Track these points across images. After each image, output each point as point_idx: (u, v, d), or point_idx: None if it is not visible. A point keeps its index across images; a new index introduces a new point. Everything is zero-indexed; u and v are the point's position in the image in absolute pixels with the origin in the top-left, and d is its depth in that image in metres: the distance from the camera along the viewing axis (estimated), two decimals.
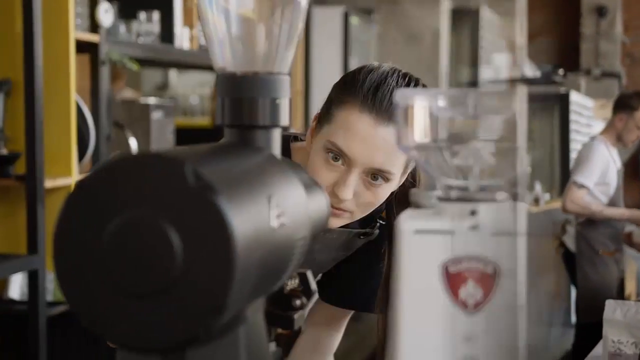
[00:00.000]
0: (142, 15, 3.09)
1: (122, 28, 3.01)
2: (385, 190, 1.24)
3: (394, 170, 1.22)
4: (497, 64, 6.73)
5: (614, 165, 4.31)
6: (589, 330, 4.27)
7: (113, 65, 2.82)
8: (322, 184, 1.20)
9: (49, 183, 2.47)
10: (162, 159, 0.64)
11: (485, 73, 7.15)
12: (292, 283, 0.86)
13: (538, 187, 6.35)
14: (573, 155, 7.09)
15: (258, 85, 0.83)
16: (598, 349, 2.12)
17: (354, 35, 5.29)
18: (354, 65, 5.85)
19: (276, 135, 0.84)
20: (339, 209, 1.23)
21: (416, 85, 1.26)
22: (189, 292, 0.61)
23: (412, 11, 5.37)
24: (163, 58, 3.22)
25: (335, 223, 1.26)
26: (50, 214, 2.43)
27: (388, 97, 1.21)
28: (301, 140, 1.40)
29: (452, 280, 0.70)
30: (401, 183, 1.30)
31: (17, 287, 2.63)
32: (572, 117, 6.93)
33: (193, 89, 5.63)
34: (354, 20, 5.34)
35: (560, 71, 6.33)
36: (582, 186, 4.20)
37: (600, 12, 9.29)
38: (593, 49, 9.32)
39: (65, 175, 2.56)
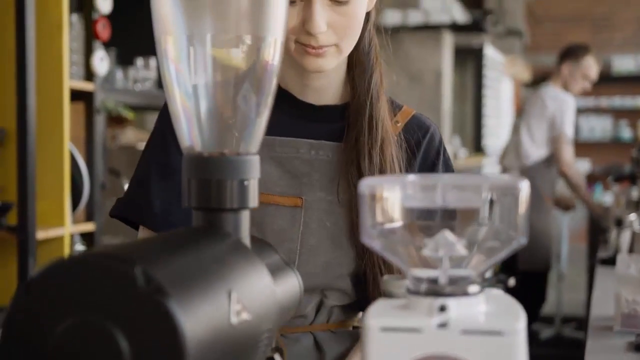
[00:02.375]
0: (139, 61, 3.09)
1: (119, 74, 3.00)
2: (358, 6, 1.15)
3: None
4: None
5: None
6: (529, 278, 4.29)
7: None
8: (289, 32, 1.14)
9: (41, 234, 2.44)
10: (111, 259, 0.61)
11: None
12: None
13: (457, 141, 6.36)
14: (486, 110, 7.19)
15: (225, 166, 0.80)
16: (607, 310, 1.91)
17: None
18: None
19: (245, 217, 0.81)
20: (320, 47, 1.14)
21: None
22: None
23: (415, 51, 5.38)
24: (160, 104, 3.20)
25: (327, 64, 1.17)
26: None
27: None
28: None
29: None
30: None
31: None
32: (485, 71, 7.00)
33: None
34: None
35: (490, 17, 6.29)
36: (570, 140, 4.33)
37: None
38: (497, 5, 9.37)
39: (59, 225, 2.53)
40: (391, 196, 0.71)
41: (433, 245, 0.70)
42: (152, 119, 3.84)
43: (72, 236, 2.69)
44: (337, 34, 1.14)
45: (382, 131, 1.20)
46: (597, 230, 4.68)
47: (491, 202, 0.70)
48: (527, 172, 4.46)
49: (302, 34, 1.14)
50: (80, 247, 2.84)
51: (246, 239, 0.81)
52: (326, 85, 1.25)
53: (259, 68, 0.82)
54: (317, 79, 1.23)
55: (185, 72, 0.80)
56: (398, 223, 0.71)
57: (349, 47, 1.17)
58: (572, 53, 4.48)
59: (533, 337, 5.18)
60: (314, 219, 1.19)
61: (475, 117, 7.29)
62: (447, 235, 0.70)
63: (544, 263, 4.43)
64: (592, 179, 9.99)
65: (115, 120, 3.36)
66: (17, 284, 2.36)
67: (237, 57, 0.80)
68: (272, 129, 1.21)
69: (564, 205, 4.90)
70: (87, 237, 2.80)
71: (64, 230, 2.55)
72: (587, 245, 5.78)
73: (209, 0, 0.79)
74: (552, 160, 4.43)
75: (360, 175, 1.18)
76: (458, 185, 0.70)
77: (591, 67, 4.46)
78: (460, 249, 0.70)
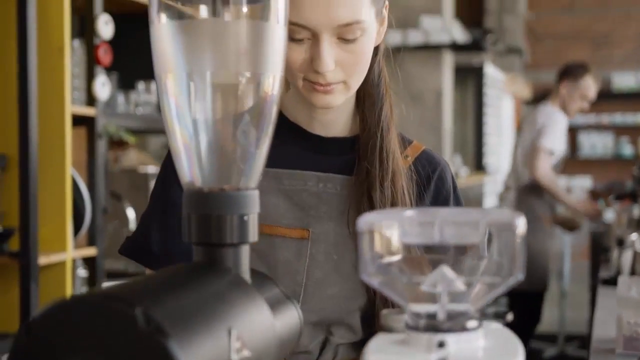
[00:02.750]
0: (141, 85, 3.11)
1: (121, 98, 3.01)
2: (366, 44, 1.14)
3: (363, 17, 1.12)
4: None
5: (565, 134, 4.51)
6: (525, 298, 4.28)
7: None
8: (297, 68, 1.13)
9: (43, 260, 2.45)
10: (112, 300, 0.61)
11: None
12: None
13: (458, 160, 6.37)
14: (487, 129, 7.22)
15: (225, 201, 0.81)
16: (609, 331, 1.88)
17: None
18: None
19: (245, 252, 0.82)
20: (328, 84, 1.14)
21: None
22: None
23: (415, 71, 5.40)
24: (161, 128, 3.23)
25: (335, 100, 1.16)
26: (44, 292, 2.41)
27: None
28: None
29: None
30: (382, 25, 1.21)
31: None
32: (485, 90, 7.02)
33: None
34: None
35: (490, 36, 6.31)
36: (550, 152, 4.29)
37: None
38: (497, 23, 9.42)
39: (60, 250, 2.54)
40: (389, 232, 0.71)
41: (431, 281, 0.71)
42: (153, 141, 3.86)
43: (74, 261, 2.69)
44: (345, 71, 1.14)
45: (392, 163, 1.20)
46: (599, 249, 4.67)
47: (489, 238, 0.70)
48: (523, 191, 4.47)
49: (309, 72, 1.13)
50: (82, 271, 2.85)
51: (246, 274, 0.82)
52: (334, 118, 1.25)
53: (258, 103, 0.82)
54: (326, 113, 1.23)
55: (185, 109, 0.81)
56: (396, 258, 0.72)
57: (357, 83, 1.17)
58: (570, 73, 4.49)
59: (536, 356, 5.16)
60: (321, 251, 1.19)
61: (476, 136, 7.31)
62: (446, 270, 0.71)
63: (541, 283, 4.42)
64: (594, 196, 10.00)
65: (118, 143, 3.38)
66: (20, 309, 2.37)
67: (237, 93, 0.81)
68: (281, 161, 1.21)
69: (569, 226, 4.89)
70: (89, 262, 2.80)
71: (65, 255, 2.56)
72: (589, 262, 5.77)
73: (209, 38, 0.80)
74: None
75: (372, 207, 1.18)
76: (455, 221, 0.70)
77: (589, 87, 4.46)
78: (459, 284, 0.70)
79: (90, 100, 2.71)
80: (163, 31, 0.80)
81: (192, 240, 0.81)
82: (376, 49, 1.22)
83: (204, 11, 0.86)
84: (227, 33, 0.80)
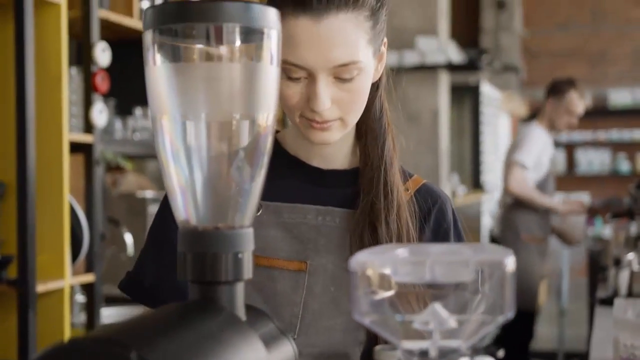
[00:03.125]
0: (138, 111, 3.13)
1: (118, 124, 3.03)
2: (363, 82, 1.15)
3: (360, 58, 1.12)
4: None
5: (549, 150, 4.44)
6: (516, 317, 4.24)
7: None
8: (293, 105, 1.14)
9: (41, 287, 2.45)
10: (107, 344, 0.62)
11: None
12: None
13: (455, 178, 6.38)
14: (484, 147, 7.23)
15: (220, 240, 0.82)
16: (607, 353, 1.90)
17: None
18: None
19: (239, 289, 0.83)
20: (325, 121, 1.14)
21: None
22: None
23: (412, 91, 5.42)
24: None
25: (332, 137, 1.17)
26: (42, 319, 2.41)
27: None
28: None
29: None
30: (381, 62, 1.21)
31: None
32: (482, 108, 7.05)
33: None
34: None
35: (485, 57, 6.33)
36: (523, 165, 4.27)
37: (500, 5, 9.44)
38: (493, 42, 9.46)
39: (59, 278, 2.54)
40: (381, 271, 0.72)
41: (423, 319, 0.72)
42: (151, 165, 3.87)
43: (72, 287, 2.70)
44: (341, 109, 1.15)
45: (397, 197, 1.21)
46: (597, 267, 4.67)
47: (479, 276, 0.72)
48: (508, 209, 4.47)
49: (306, 109, 1.14)
50: (80, 297, 2.85)
51: (241, 310, 0.83)
52: (334, 152, 1.25)
53: (252, 142, 0.84)
54: (325, 147, 1.24)
55: (180, 148, 0.82)
56: (389, 297, 0.73)
57: (354, 119, 1.18)
58: (555, 89, 4.50)
59: None
60: (319, 284, 1.19)
61: (473, 154, 7.33)
62: (437, 308, 0.72)
63: (529, 303, 4.40)
64: (591, 213, 10.02)
65: (116, 166, 3.39)
66: (18, 337, 2.37)
67: (231, 132, 0.82)
68: (281, 194, 1.22)
69: (567, 240, 4.89)
70: (87, 288, 2.80)
71: (63, 283, 2.56)
72: (587, 280, 5.77)
73: (203, 80, 0.82)
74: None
75: (377, 241, 1.18)
76: (446, 260, 0.72)
77: (574, 101, 4.44)
78: (451, 322, 0.72)
79: (88, 127, 2.73)
80: (158, 73, 0.82)
81: (187, 278, 0.82)
82: (377, 83, 1.23)
83: (198, 52, 0.88)
84: (221, 75, 0.82)
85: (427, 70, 5.34)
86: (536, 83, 10.22)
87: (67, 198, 2.57)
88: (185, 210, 0.84)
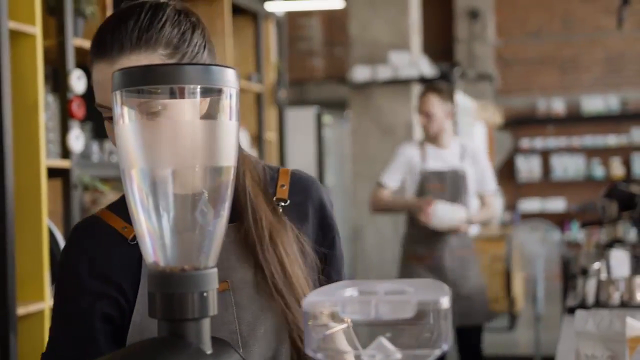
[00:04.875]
0: None
1: (95, 148, 3.09)
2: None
3: None
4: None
5: (419, 163, 4.17)
6: (463, 333, 4.25)
7: None
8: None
9: (21, 310, 2.51)
10: None
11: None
12: None
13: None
14: None
15: (186, 281, 0.89)
16: None
17: (328, 132, 5.41)
18: (329, 162, 6.02)
19: (205, 325, 0.90)
20: None
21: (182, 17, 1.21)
22: None
23: (385, 105, 5.51)
24: None
25: None
26: (23, 341, 2.46)
27: (113, 29, 1.18)
28: None
29: None
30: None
31: None
32: (457, 118, 7.15)
33: None
34: (327, 118, 5.47)
35: (457, 69, 6.39)
36: (381, 185, 4.16)
37: (473, 15, 9.57)
38: (467, 51, 9.61)
39: (39, 300, 2.60)
40: (331, 311, 0.80)
41: (370, 352, 0.80)
42: None
43: (51, 309, 2.75)
44: None
45: (266, 223, 1.25)
46: (569, 273, 4.76)
47: (420, 313, 0.79)
48: (403, 236, 4.33)
49: None
50: None
51: (207, 344, 0.90)
52: None
53: (214, 188, 0.91)
54: None
55: (148, 197, 0.90)
56: (338, 333, 0.81)
57: None
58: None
59: None
60: (244, 296, 1.25)
61: None
62: (383, 341, 0.80)
63: (467, 320, 4.27)
64: (567, 217, 10.17)
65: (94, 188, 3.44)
66: None
67: (194, 182, 0.90)
68: None
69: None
70: None
71: (43, 305, 2.62)
72: (561, 284, 5.88)
73: (167, 136, 0.89)
74: (412, 218, 4.17)
75: (262, 264, 1.25)
76: (389, 300, 0.80)
77: (418, 100, 4.22)
78: (395, 354, 0.80)
79: (65, 152, 2.79)
80: (127, 130, 0.89)
81: (157, 316, 0.90)
82: None
83: (162, 111, 0.96)
84: (185, 131, 0.89)
85: (400, 84, 5.44)
86: (510, 91, 10.37)
87: (46, 222, 2.63)
88: (153, 253, 0.91)
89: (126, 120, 0.89)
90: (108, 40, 1.18)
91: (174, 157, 0.89)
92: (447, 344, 0.78)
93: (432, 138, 4.15)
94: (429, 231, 4.06)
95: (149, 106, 0.94)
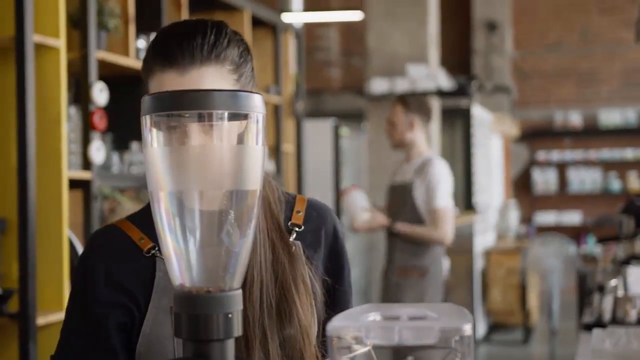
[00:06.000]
0: (135, 145, 3.22)
1: (116, 159, 3.12)
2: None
3: None
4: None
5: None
6: None
7: None
8: None
9: (41, 320, 2.53)
10: None
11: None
12: None
13: None
14: (476, 168, 7.31)
15: (211, 302, 0.91)
16: None
17: (344, 144, 5.42)
18: (345, 173, 6.03)
19: (230, 346, 0.92)
20: None
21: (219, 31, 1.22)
22: None
23: None
24: None
25: None
26: (42, 351, 2.49)
27: (181, 40, 1.19)
28: None
29: None
30: None
31: None
32: (473, 130, 7.13)
33: None
34: (344, 131, 5.48)
35: (475, 82, 6.38)
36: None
37: (491, 27, 9.54)
38: (484, 63, 9.58)
39: (58, 310, 2.63)
40: (355, 335, 0.81)
41: None
42: (146, 194, 3.94)
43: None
44: None
45: (271, 247, 1.27)
46: (585, 288, 4.74)
47: (442, 339, 0.81)
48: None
49: None
50: None
51: None
52: None
53: (240, 211, 0.93)
54: None
55: (176, 221, 0.92)
56: (362, 358, 0.83)
57: None
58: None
59: None
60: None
61: (466, 176, 7.42)
62: None
63: None
64: (583, 231, 10.12)
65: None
66: None
67: (222, 206, 0.92)
68: None
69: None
70: None
71: (63, 315, 2.64)
72: (576, 298, 5.86)
73: (195, 160, 0.91)
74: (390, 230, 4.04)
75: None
76: (413, 326, 0.81)
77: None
78: None
79: (86, 164, 2.82)
80: (155, 154, 0.91)
81: (182, 336, 0.92)
82: None
83: (191, 136, 0.98)
84: (212, 156, 0.91)
85: (417, 96, 5.44)
86: (528, 103, 10.35)
87: (67, 233, 2.66)
88: (180, 275, 0.93)
89: (155, 144, 0.91)
90: (178, 50, 1.19)
91: (202, 181, 0.91)
92: None
93: (395, 147, 4.16)
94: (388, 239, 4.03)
95: (180, 132, 0.96)
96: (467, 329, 0.79)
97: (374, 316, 0.84)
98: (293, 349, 1.23)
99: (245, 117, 0.92)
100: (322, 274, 1.33)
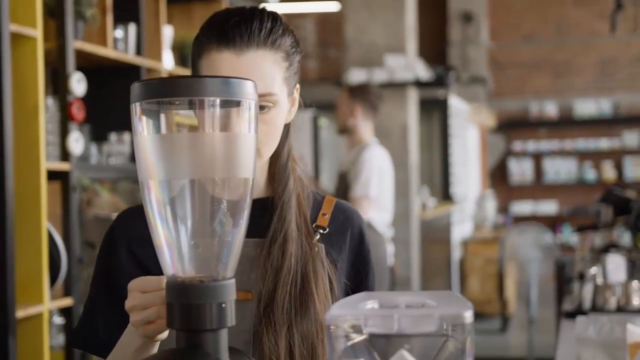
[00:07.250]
0: (113, 136, 3.19)
1: (94, 150, 3.09)
2: (277, 116, 1.22)
3: (276, 91, 1.21)
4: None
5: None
6: None
7: None
8: None
9: (20, 313, 2.50)
10: None
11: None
12: None
13: (425, 191, 6.48)
14: (453, 159, 7.36)
15: (204, 292, 0.89)
16: None
17: (324, 136, 5.40)
18: (324, 164, 6.02)
19: (223, 336, 0.90)
20: None
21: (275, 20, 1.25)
22: None
23: (381, 108, 5.51)
24: (133, 177, 3.30)
25: None
26: (22, 344, 2.46)
27: (239, 22, 1.21)
28: None
29: None
30: (294, 105, 1.29)
31: None
32: (450, 121, 7.18)
33: None
34: (322, 122, 5.46)
35: (452, 74, 6.41)
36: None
37: (467, 18, 9.59)
38: (460, 54, 9.64)
39: (38, 303, 2.59)
40: (353, 324, 0.80)
41: None
42: (124, 187, 3.91)
43: (50, 312, 2.75)
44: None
45: (286, 233, 1.26)
46: (564, 276, 4.75)
47: (442, 326, 0.80)
48: None
49: None
50: (58, 320, 2.90)
51: (225, 354, 0.91)
52: None
53: (232, 200, 0.92)
54: None
55: (167, 209, 0.90)
56: (360, 346, 0.81)
57: (268, 152, 1.25)
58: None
59: None
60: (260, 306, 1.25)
61: (443, 166, 7.44)
62: (405, 354, 0.80)
63: None
64: (558, 220, 10.20)
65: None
66: None
67: (213, 194, 0.90)
68: None
69: None
70: (65, 312, 2.86)
71: (42, 307, 2.61)
72: (554, 287, 5.90)
73: (186, 148, 0.89)
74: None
75: (265, 268, 1.24)
76: (412, 314, 0.80)
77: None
78: None
79: (65, 155, 2.78)
80: (145, 142, 0.89)
81: (175, 326, 0.90)
82: (287, 128, 1.30)
83: (181, 123, 0.96)
84: (203, 143, 0.90)
85: (395, 87, 5.44)
86: (503, 94, 10.39)
87: (45, 225, 2.62)
88: (172, 265, 0.92)
89: (144, 132, 0.89)
90: (235, 31, 1.20)
91: (193, 168, 0.89)
92: (471, 358, 0.79)
93: (339, 132, 4.21)
94: None
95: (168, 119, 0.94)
96: (468, 316, 0.78)
97: (372, 304, 0.83)
98: (308, 343, 1.22)
99: (237, 104, 0.90)
100: (346, 275, 1.33)
